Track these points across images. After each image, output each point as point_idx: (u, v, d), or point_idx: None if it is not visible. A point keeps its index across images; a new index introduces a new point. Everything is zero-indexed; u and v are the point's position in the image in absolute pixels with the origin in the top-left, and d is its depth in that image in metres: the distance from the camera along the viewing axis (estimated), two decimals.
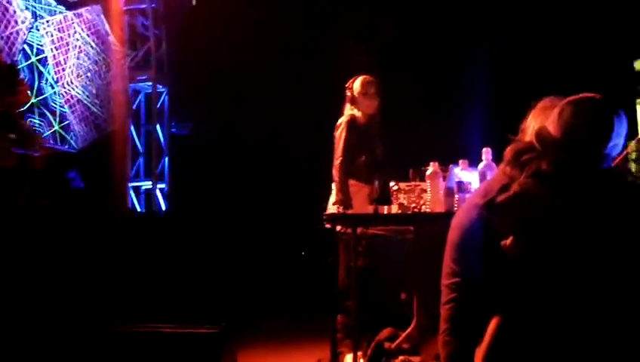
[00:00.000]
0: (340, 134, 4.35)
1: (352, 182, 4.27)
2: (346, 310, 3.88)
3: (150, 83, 9.21)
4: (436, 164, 3.47)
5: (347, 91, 4.48)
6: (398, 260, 3.97)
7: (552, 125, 1.96)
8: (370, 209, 3.67)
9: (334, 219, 3.79)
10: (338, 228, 3.87)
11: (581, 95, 1.97)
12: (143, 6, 9.18)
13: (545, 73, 7.06)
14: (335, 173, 4.29)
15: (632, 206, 1.88)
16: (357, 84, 4.45)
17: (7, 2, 6.85)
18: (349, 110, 4.46)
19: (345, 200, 4.16)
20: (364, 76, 4.50)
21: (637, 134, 5.72)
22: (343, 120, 4.41)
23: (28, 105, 6.44)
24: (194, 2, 8.79)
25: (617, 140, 1.93)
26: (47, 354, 3.39)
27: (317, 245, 4.47)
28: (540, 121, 2.15)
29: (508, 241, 1.84)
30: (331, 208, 4.28)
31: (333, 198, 4.32)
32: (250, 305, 7.03)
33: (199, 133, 9.37)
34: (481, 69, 7.30)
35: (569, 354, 1.76)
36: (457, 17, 7.99)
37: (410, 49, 7.92)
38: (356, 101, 4.43)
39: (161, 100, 9.44)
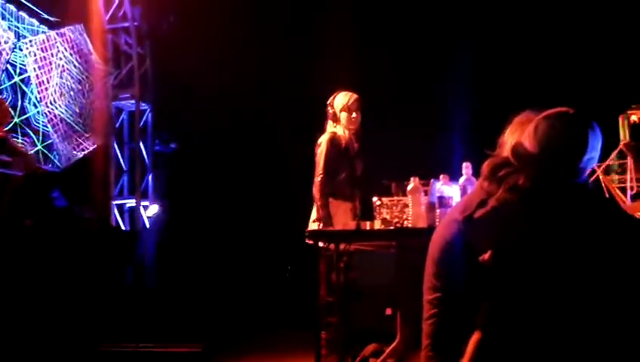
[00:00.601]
0: (320, 152, 4.35)
1: (332, 199, 4.27)
2: (329, 326, 3.86)
3: (133, 101, 9.21)
4: (417, 178, 3.48)
5: (329, 108, 4.47)
6: (382, 275, 3.97)
7: (527, 140, 1.97)
8: (352, 225, 3.66)
9: (317, 235, 3.78)
10: (320, 244, 3.86)
11: (555, 109, 1.98)
12: (126, 24, 9.19)
13: (526, 87, 7.12)
14: (315, 190, 4.29)
15: (607, 220, 1.90)
16: (338, 101, 4.44)
17: None
18: (331, 127, 4.45)
19: (326, 217, 4.17)
20: (345, 92, 4.48)
21: (618, 145, 5.78)
22: (324, 138, 4.40)
23: (11, 125, 6.41)
24: (172, 19, 8.81)
25: (592, 154, 1.95)
26: None
27: (303, 260, 4.46)
28: (517, 135, 2.16)
29: (486, 256, 1.86)
30: (312, 225, 4.29)
31: (314, 215, 4.33)
32: (235, 322, 7.00)
33: (183, 150, 9.36)
34: (462, 85, 7.34)
35: None
36: (438, 32, 8.06)
37: (392, 64, 7.96)
38: (338, 118, 4.42)
39: (144, 118, 9.43)
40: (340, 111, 4.41)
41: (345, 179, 4.35)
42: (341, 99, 4.44)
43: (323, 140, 4.39)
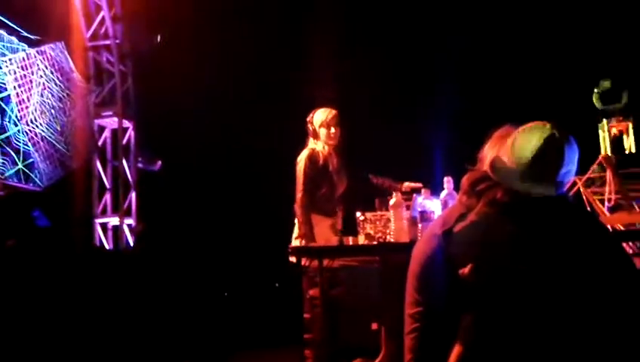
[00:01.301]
0: (300, 169, 4.37)
1: (313, 215, 4.29)
2: (313, 342, 3.86)
3: (116, 119, 9.18)
4: (399, 193, 3.50)
5: (308, 125, 4.51)
6: (366, 290, 3.97)
7: (505, 154, 1.99)
8: (335, 240, 3.67)
9: (300, 252, 3.77)
10: (303, 261, 3.86)
11: (532, 123, 2.01)
12: (108, 42, 9.17)
13: (507, 101, 7.19)
14: (297, 207, 4.31)
15: (585, 233, 1.92)
16: (317, 117, 4.49)
17: None
18: (312, 143, 4.49)
19: (307, 233, 4.18)
20: (324, 108, 4.53)
21: (598, 156, 5.84)
22: (302, 155, 4.44)
23: None
24: (158, 39, 8.82)
25: (570, 167, 1.97)
26: None
27: (288, 277, 4.45)
28: (496, 150, 2.19)
29: (466, 270, 1.87)
30: (295, 242, 4.29)
31: (296, 232, 4.33)
32: (220, 340, 6.96)
33: (167, 167, 9.34)
34: (445, 98, 7.40)
35: None
36: (420, 45, 8.13)
37: (374, 78, 8.01)
38: (317, 134, 4.46)
39: (127, 136, 9.41)
40: (319, 127, 4.45)
41: (325, 194, 4.37)
42: (320, 116, 4.48)
43: (302, 157, 4.43)
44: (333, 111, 4.50)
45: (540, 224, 1.89)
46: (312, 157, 4.39)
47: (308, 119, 4.53)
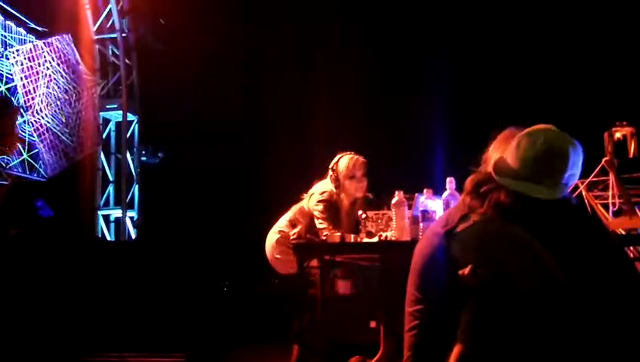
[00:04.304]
0: (320, 209, 4.07)
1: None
2: (309, 339, 3.85)
3: (120, 111, 9.20)
4: (401, 192, 3.49)
5: (331, 171, 4.13)
6: (366, 288, 3.98)
7: (509, 157, 1.99)
8: (336, 237, 3.67)
9: (301, 248, 3.76)
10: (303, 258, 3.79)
11: (537, 126, 2.01)
12: (114, 35, 9.20)
13: (510, 104, 7.18)
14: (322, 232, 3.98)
15: (588, 236, 1.92)
16: (342, 166, 4.09)
17: None
18: (330, 186, 4.14)
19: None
20: (351, 156, 4.12)
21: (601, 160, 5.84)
22: (323, 196, 4.09)
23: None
24: (162, 21, 8.84)
25: (574, 170, 1.96)
26: None
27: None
28: (501, 151, 2.19)
29: (466, 270, 1.87)
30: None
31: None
32: (218, 333, 6.98)
33: (169, 160, 9.36)
34: (447, 99, 7.40)
35: None
36: (421, 43, 8.12)
37: (376, 76, 8.00)
38: (341, 184, 4.09)
39: (131, 129, 9.43)
40: (344, 177, 4.08)
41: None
42: (345, 165, 4.09)
43: (322, 198, 4.09)
44: (361, 160, 4.12)
45: (543, 226, 1.90)
46: (330, 204, 4.08)
47: (331, 166, 4.14)
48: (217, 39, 8.14)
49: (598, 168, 5.81)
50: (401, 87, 7.96)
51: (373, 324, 4.03)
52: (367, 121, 6.52)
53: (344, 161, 4.11)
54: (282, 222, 4.33)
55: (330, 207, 4.06)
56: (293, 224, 4.24)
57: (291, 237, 4.15)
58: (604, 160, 5.73)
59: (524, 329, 1.82)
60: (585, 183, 5.71)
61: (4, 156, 4.90)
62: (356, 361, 3.92)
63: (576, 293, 1.83)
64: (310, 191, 4.26)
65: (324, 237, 3.87)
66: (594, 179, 5.67)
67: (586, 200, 5.65)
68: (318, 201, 4.12)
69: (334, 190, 4.14)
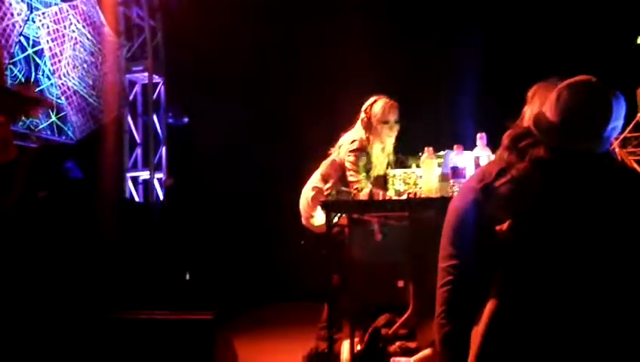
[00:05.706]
0: (350, 160, 4.07)
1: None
2: (338, 300, 3.84)
3: (146, 73, 9.21)
4: (431, 149, 3.45)
5: (363, 113, 4.13)
6: (394, 247, 3.97)
7: (549, 110, 1.93)
8: (365, 195, 3.64)
9: (329, 206, 3.72)
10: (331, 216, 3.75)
11: (578, 78, 1.94)
12: None
13: (542, 56, 7.02)
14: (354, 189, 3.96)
15: (630, 192, 1.87)
16: (377, 110, 4.09)
17: None
18: (361, 133, 4.15)
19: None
20: (385, 100, 4.12)
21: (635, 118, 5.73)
22: (353, 145, 4.09)
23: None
24: None
25: (616, 123, 1.90)
26: (43, 341, 3.40)
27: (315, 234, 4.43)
28: (539, 105, 2.13)
29: (504, 226, 1.84)
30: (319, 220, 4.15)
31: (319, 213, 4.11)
32: (247, 291, 7.05)
33: (196, 123, 9.37)
34: (477, 54, 7.25)
35: (567, 341, 1.75)
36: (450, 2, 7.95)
37: (404, 34, 7.86)
38: (372, 128, 4.10)
39: (157, 90, 9.44)
40: (377, 121, 4.08)
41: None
42: (380, 108, 4.09)
43: (352, 147, 4.09)
44: (396, 104, 4.12)
45: (583, 182, 1.84)
46: (361, 153, 4.07)
47: (364, 108, 4.14)
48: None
49: (632, 124, 5.70)
50: (431, 44, 7.81)
51: (400, 284, 4.03)
52: (394, 76, 6.41)
53: (379, 104, 4.09)
54: (314, 178, 4.33)
55: (361, 155, 4.03)
56: (325, 179, 4.23)
57: (324, 193, 4.13)
58: (638, 116, 5.62)
59: (559, 286, 1.78)
60: (619, 139, 5.61)
61: (34, 119, 4.94)
62: (385, 319, 3.94)
63: (616, 251, 1.78)
64: (339, 143, 4.25)
65: (355, 191, 3.86)
66: (628, 135, 5.57)
67: (619, 157, 5.56)
68: (350, 151, 4.10)
69: (364, 136, 4.11)
